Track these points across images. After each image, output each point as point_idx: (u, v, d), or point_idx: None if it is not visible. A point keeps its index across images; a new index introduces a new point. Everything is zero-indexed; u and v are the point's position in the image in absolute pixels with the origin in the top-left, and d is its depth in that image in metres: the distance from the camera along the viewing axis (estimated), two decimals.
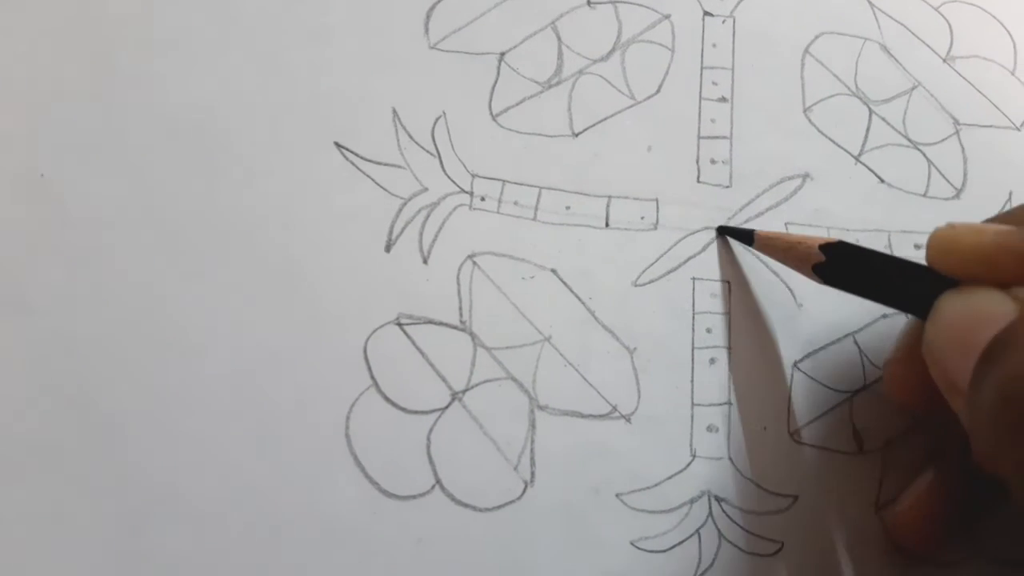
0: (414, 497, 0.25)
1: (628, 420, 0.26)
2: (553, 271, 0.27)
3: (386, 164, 0.28)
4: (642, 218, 0.28)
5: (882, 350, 0.28)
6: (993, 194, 0.30)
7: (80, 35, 0.28)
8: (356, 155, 0.28)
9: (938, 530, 0.25)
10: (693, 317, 0.27)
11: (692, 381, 0.27)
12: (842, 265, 0.24)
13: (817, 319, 0.28)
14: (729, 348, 0.27)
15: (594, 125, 0.29)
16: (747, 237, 0.27)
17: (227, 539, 0.24)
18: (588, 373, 0.27)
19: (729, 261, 0.28)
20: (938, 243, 0.22)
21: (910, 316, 0.26)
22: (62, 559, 0.24)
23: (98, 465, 0.24)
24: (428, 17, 0.29)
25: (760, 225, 0.28)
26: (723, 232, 0.28)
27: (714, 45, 0.30)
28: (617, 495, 0.26)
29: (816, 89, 0.30)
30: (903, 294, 0.23)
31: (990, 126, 0.30)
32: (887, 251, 0.28)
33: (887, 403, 0.27)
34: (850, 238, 0.28)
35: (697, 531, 0.26)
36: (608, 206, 0.28)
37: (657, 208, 0.28)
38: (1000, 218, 0.25)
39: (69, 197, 0.26)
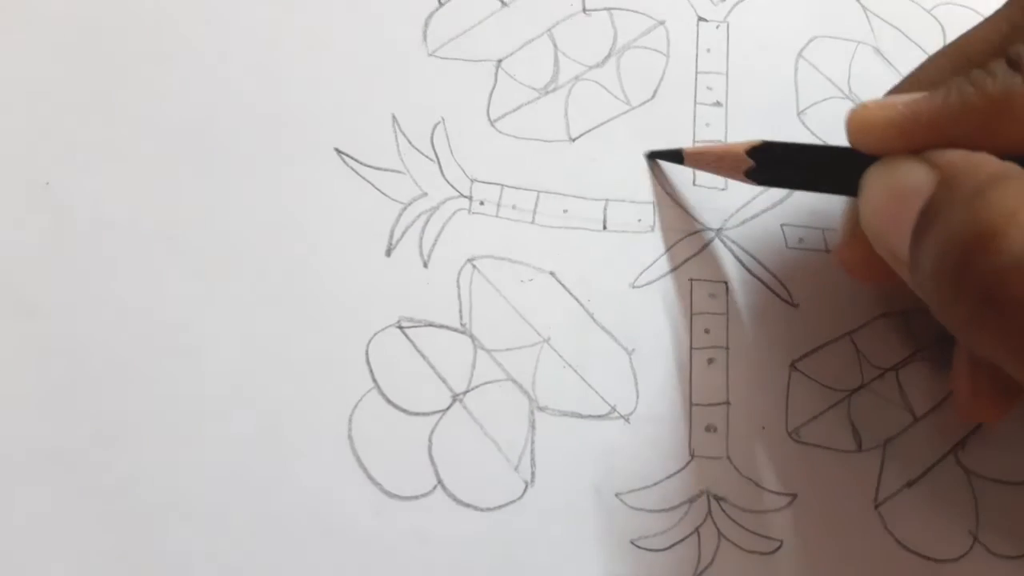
0: (416, 498, 0.25)
1: (627, 420, 0.26)
2: (552, 274, 0.28)
3: (386, 170, 0.28)
4: (639, 221, 0.28)
5: (879, 349, 0.28)
6: None
7: (84, 44, 0.28)
8: (357, 161, 0.28)
9: (996, 388, 0.25)
10: (691, 318, 0.28)
11: (690, 381, 0.27)
12: (772, 165, 0.25)
13: (814, 319, 0.28)
14: (727, 348, 0.27)
15: (591, 130, 0.29)
16: (676, 157, 0.28)
17: (231, 540, 0.24)
18: (587, 374, 0.27)
19: (726, 263, 0.28)
20: (855, 124, 0.23)
21: (847, 200, 0.26)
22: (67, 560, 0.24)
23: (103, 467, 0.25)
24: (426, 25, 0.30)
25: (758, 228, 0.29)
26: (653, 156, 0.29)
27: (708, 50, 0.30)
28: (617, 494, 0.26)
29: (810, 92, 0.30)
30: (833, 178, 0.24)
31: None
32: None
33: (886, 401, 0.27)
34: None
35: (696, 530, 0.26)
36: (605, 209, 0.28)
37: (654, 211, 0.29)
38: (906, 83, 0.25)
39: (74, 204, 0.27)
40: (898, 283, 0.23)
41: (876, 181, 0.22)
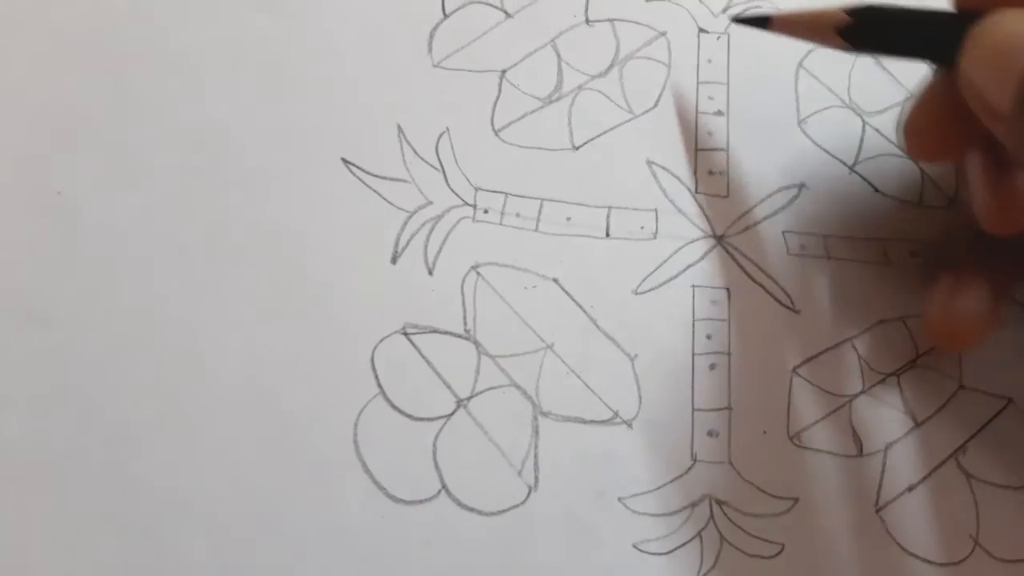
0: (421, 502, 0.25)
1: (630, 425, 0.27)
2: (555, 280, 0.28)
3: (392, 179, 0.29)
4: (642, 228, 0.29)
5: (880, 355, 0.28)
6: None
7: (94, 56, 0.29)
8: (362, 170, 0.28)
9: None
10: (693, 324, 0.28)
11: (692, 387, 0.27)
12: (870, 26, 0.24)
13: (815, 325, 0.28)
14: (729, 354, 0.28)
15: (594, 139, 0.30)
16: (762, 23, 0.27)
17: (237, 544, 0.25)
18: (590, 380, 0.27)
19: (728, 269, 0.28)
20: None
21: (927, 76, 0.26)
22: (75, 565, 0.24)
23: (111, 472, 0.25)
24: (431, 36, 0.30)
25: (758, 234, 0.29)
26: (737, 21, 0.28)
27: (709, 61, 0.31)
28: (619, 499, 0.26)
29: (810, 102, 0.31)
30: (933, 43, 0.23)
31: None
32: (884, 258, 0.29)
33: (887, 406, 0.28)
34: (846, 246, 0.29)
35: (699, 534, 0.26)
36: (608, 216, 0.29)
37: (656, 218, 0.29)
38: None
39: (84, 214, 0.27)
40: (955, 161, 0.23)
41: (983, 34, 0.21)
